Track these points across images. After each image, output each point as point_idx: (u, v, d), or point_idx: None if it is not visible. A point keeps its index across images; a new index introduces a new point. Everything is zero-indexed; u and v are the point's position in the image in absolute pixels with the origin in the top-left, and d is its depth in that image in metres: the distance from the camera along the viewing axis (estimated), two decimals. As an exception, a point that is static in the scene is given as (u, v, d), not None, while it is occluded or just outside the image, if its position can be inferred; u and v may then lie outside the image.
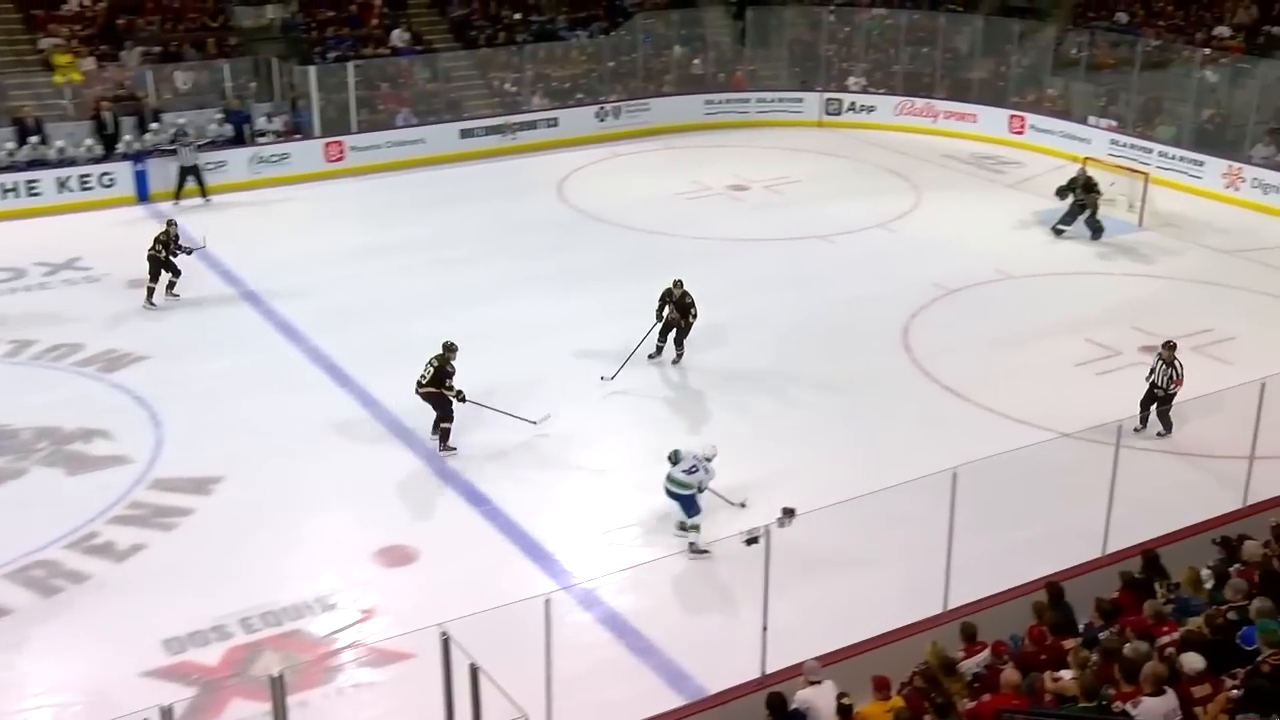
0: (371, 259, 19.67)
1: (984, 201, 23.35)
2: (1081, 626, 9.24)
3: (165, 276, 17.83)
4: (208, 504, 12.65)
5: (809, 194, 23.56)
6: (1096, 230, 20.93)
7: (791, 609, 9.83)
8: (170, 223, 18.25)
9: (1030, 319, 17.37)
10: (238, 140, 24.11)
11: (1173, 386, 13.88)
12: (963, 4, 30.69)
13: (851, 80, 29.48)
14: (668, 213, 22.35)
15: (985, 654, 8.88)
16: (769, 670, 9.20)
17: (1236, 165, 23.31)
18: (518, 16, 28.93)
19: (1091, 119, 26.06)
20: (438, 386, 13.52)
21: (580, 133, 27.16)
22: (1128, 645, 8.23)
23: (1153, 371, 14.11)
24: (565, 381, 15.32)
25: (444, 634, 7.66)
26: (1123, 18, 28.33)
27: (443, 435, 13.59)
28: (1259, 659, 8.05)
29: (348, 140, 24.92)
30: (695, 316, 15.64)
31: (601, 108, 27.70)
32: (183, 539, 12.08)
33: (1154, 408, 13.80)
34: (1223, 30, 26.45)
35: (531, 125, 26.85)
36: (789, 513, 8.95)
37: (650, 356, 15.75)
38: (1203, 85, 25.19)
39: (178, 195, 22.68)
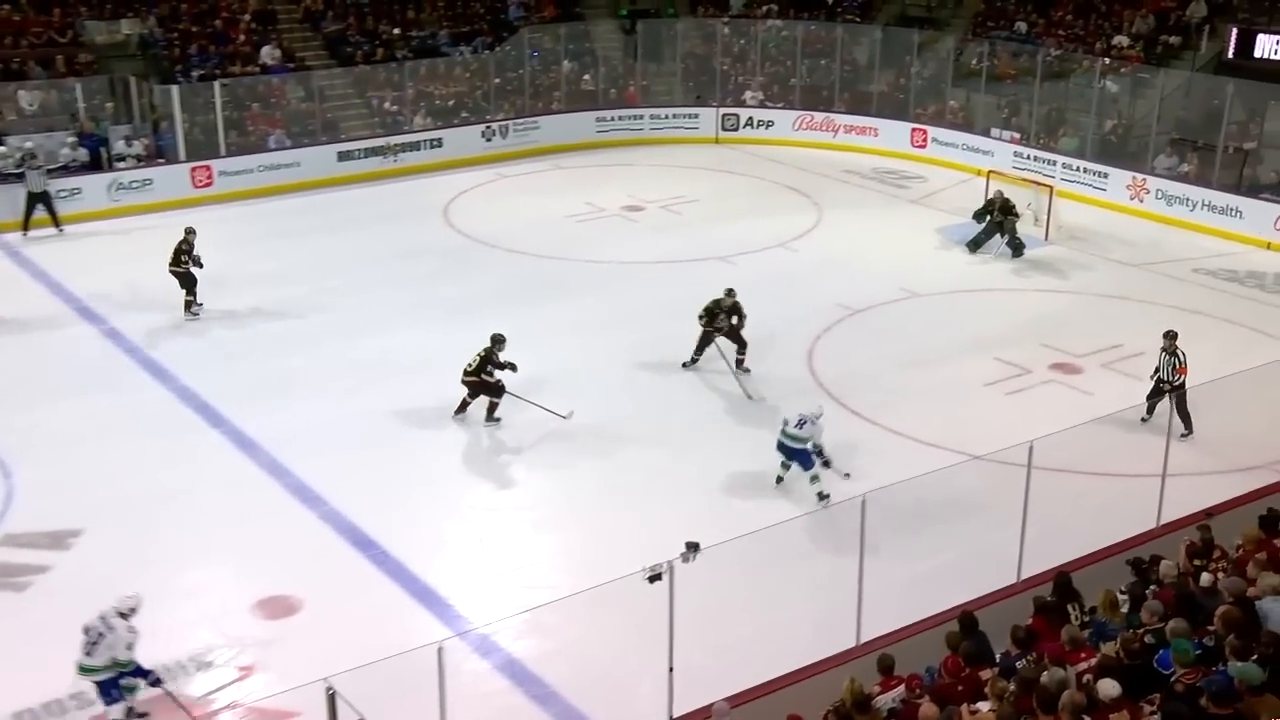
0: (245, 291, 19.36)
1: (887, 218, 23.89)
2: (998, 655, 9.43)
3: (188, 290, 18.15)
4: (65, 560, 12.27)
5: (707, 214, 23.85)
6: (1017, 249, 21.56)
7: (698, 648, 9.85)
8: (189, 230, 18.36)
9: (938, 338, 17.78)
10: (94, 165, 23.56)
11: (1178, 376, 14.65)
12: (860, 14, 31.46)
13: (748, 94, 29.97)
14: (560, 236, 22.42)
15: (901, 688, 9.00)
16: (676, 713, 9.21)
17: (1140, 176, 24.23)
18: (396, 32, 28.89)
19: (994, 131, 26.89)
20: (479, 375, 14.85)
21: (466, 153, 27.15)
22: (1045, 674, 8.41)
23: (1157, 369, 14.96)
24: (469, 412, 15.22)
25: (330, 689, 7.54)
26: (1022, 27, 29.35)
27: (490, 409, 15.02)
28: (1173, 680, 8.31)
29: (216, 165, 24.55)
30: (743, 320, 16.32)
31: (488, 127, 27.72)
32: (36, 599, 11.69)
33: (1169, 404, 14.14)
34: (1122, 40, 27.55)
35: (414, 146, 26.77)
36: (693, 547, 8.99)
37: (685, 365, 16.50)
38: (1104, 95, 26.17)
39: (26, 225, 22.07)
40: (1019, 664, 8.94)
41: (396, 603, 11.65)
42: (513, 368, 15.08)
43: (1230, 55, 25.44)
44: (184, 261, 18.12)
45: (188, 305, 18.26)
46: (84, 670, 9.77)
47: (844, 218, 23.76)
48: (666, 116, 29.61)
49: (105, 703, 9.77)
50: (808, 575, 11.68)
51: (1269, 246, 22.02)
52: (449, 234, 22.79)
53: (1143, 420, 14.52)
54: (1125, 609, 9.79)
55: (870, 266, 20.78)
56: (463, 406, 15.18)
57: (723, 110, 29.57)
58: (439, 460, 14.19)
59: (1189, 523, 11.44)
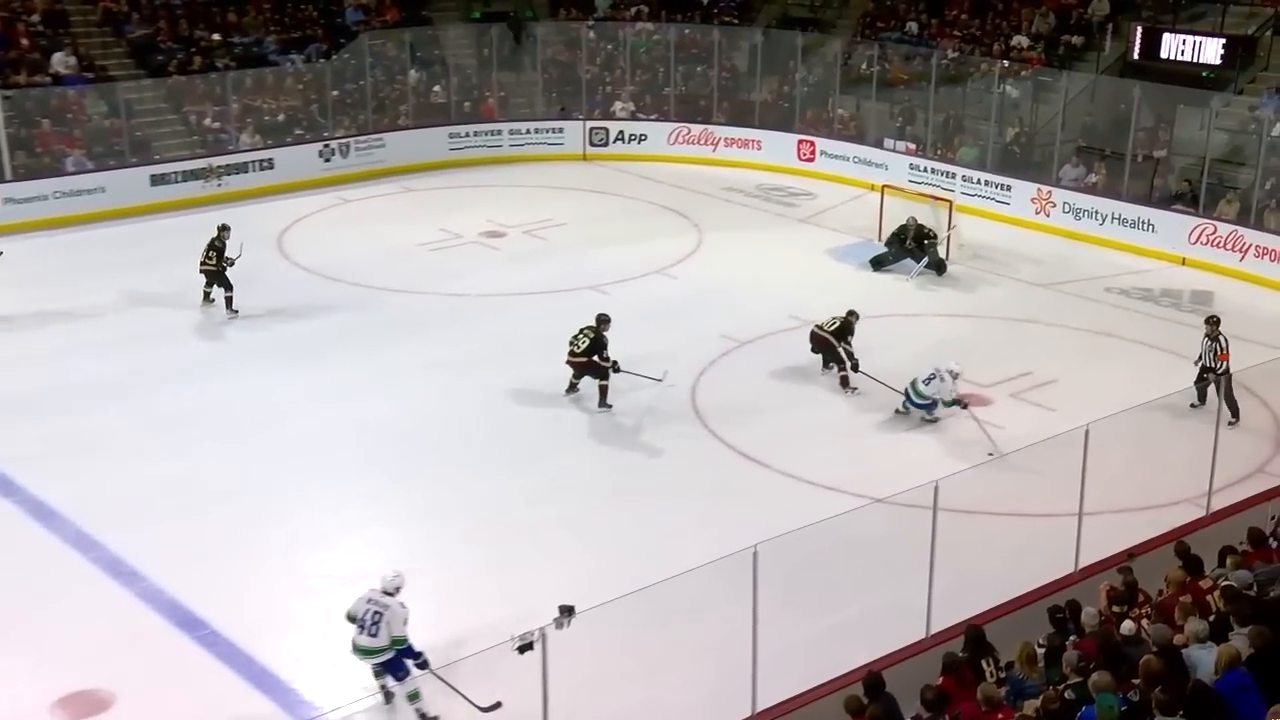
0: (40, 336, 18.83)
1: (774, 239, 24.25)
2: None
3: (218, 288, 19.75)
4: None
5: (576, 238, 23.95)
6: (940, 268, 22.24)
7: (575, 724, 9.80)
8: (222, 227, 19.90)
9: (833, 370, 18.05)
10: None
11: (1220, 362, 16.12)
12: (739, 16, 32.02)
13: (618, 106, 30.24)
14: (413, 266, 22.28)
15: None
16: (555, 802, 9.14)
17: (1045, 189, 25.05)
18: (216, 37, 28.51)
19: (887, 142, 27.56)
20: (590, 356, 16.39)
21: (302, 175, 26.90)
22: (958, 738, 8.55)
23: (1200, 357, 16.52)
24: (297, 473, 14.96)
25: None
26: (914, 28, 30.18)
27: (602, 392, 16.47)
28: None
29: (1, 190, 23.85)
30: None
31: (326, 145, 27.49)
32: None
33: (1216, 392, 15.38)
34: (1021, 40, 28.52)
35: (241, 168, 26.42)
36: (567, 611, 8.96)
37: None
38: (1004, 101, 27.03)
39: None
40: (930, 729, 9.07)
41: (229, 689, 11.34)
42: (615, 368, 16.67)
43: (1135, 56, 26.49)
44: (212, 258, 19.77)
45: (228, 302, 19.84)
46: (366, 652, 10.78)
47: (727, 240, 24.05)
48: (528, 131, 29.72)
49: (397, 679, 10.84)
50: (697, 637, 11.70)
51: (1183, 262, 22.92)
52: (285, 267, 22.46)
53: (1192, 406, 16.30)
54: (1043, 663, 10.01)
55: (757, 293, 21.06)
56: (572, 387, 16.86)
57: (590, 124, 29.78)
58: (279, 525, 13.88)
59: (1109, 565, 11.78)
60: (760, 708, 10.15)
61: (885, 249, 22.55)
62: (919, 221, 22.54)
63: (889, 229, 23.25)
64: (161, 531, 13.68)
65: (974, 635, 10.29)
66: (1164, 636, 9.35)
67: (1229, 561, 10.95)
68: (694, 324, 19.68)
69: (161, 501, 14.35)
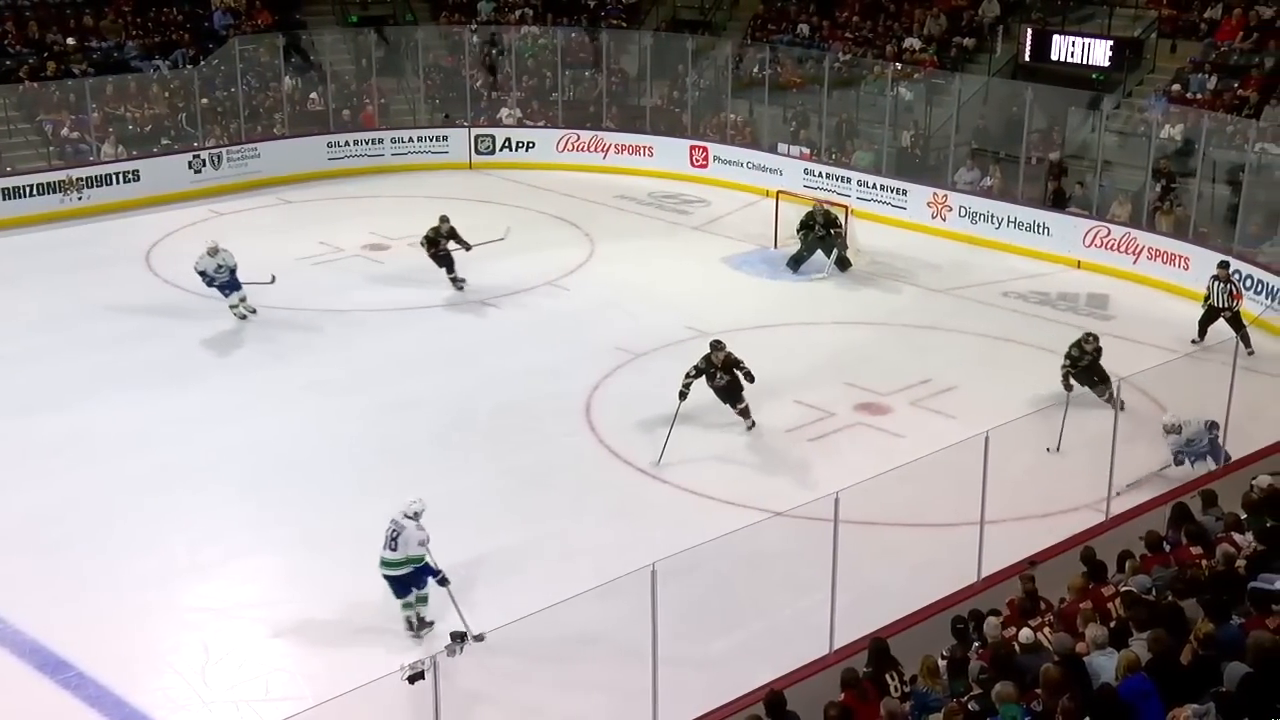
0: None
1: (668, 248, 24.39)
2: (812, 738, 9.66)
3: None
4: None
5: (463, 251, 23.79)
6: (844, 265, 22.61)
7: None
8: (443, 218, 21.76)
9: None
10: None
11: (1235, 303, 18.60)
12: (626, 19, 32.18)
13: (504, 112, 30.23)
14: (292, 283, 21.96)
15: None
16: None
17: (941, 193, 25.53)
18: (71, 42, 27.91)
19: (781, 147, 27.89)
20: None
21: (170, 188, 26.49)
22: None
23: (1208, 295, 18.84)
24: (170, 502, 14.71)
25: None
26: (805, 30, 30.58)
27: (744, 413, 16.58)
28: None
29: None
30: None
31: (196, 156, 27.12)
32: None
33: (1227, 328, 17.28)
34: (913, 42, 29.06)
35: (103, 180, 25.94)
36: (459, 638, 8.95)
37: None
38: (898, 104, 27.52)
39: None
40: (834, 748, 9.17)
41: (100, 735, 11.11)
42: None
43: (1027, 58, 27.13)
44: (441, 247, 21.54)
45: (454, 282, 21.58)
46: (387, 564, 12.22)
47: (620, 250, 24.13)
48: (410, 140, 29.57)
49: (418, 588, 12.37)
50: (593, 662, 11.72)
51: (1079, 265, 23.50)
52: (154, 285, 22.08)
53: (1193, 342, 18.67)
54: (947, 675, 10.18)
55: (652, 303, 21.17)
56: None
57: (475, 131, 29.72)
58: (152, 556, 13.61)
59: (1011, 574, 12.01)
60: (661, 731, 10.20)
61: (799, 243, 22.79)
62: (825, 206, 22.86)
63: (784, 235, 23.55)
64: (20, 567, 13.36)
65: (877, 648, 10.44)
66: (1065, 645, 9.56)
67: (1127, 566, 11.24)
68: (588, 337, 19.72)
69: (20, 535, 14.00)
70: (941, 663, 10.33)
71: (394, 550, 12.23)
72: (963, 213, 25.17)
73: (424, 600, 12.48)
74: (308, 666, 11.95)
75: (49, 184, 25.28)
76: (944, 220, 25.36)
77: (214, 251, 19.97)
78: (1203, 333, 19.00)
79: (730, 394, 16.56)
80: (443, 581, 12.23)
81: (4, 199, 24.72)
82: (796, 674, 10.77)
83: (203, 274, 19.96)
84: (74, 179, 25.53)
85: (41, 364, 18.49)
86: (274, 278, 20.21)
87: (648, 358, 19.08)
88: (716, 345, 16.60)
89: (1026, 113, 24.77)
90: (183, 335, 19.75)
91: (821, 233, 22.58)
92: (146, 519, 14.39)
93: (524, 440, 16.43)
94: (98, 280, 21.94)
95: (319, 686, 11.04)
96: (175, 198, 26.24)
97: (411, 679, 8.69)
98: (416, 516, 12.30)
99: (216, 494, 14.97)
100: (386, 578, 12.31)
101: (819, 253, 22.73)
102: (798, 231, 22.91)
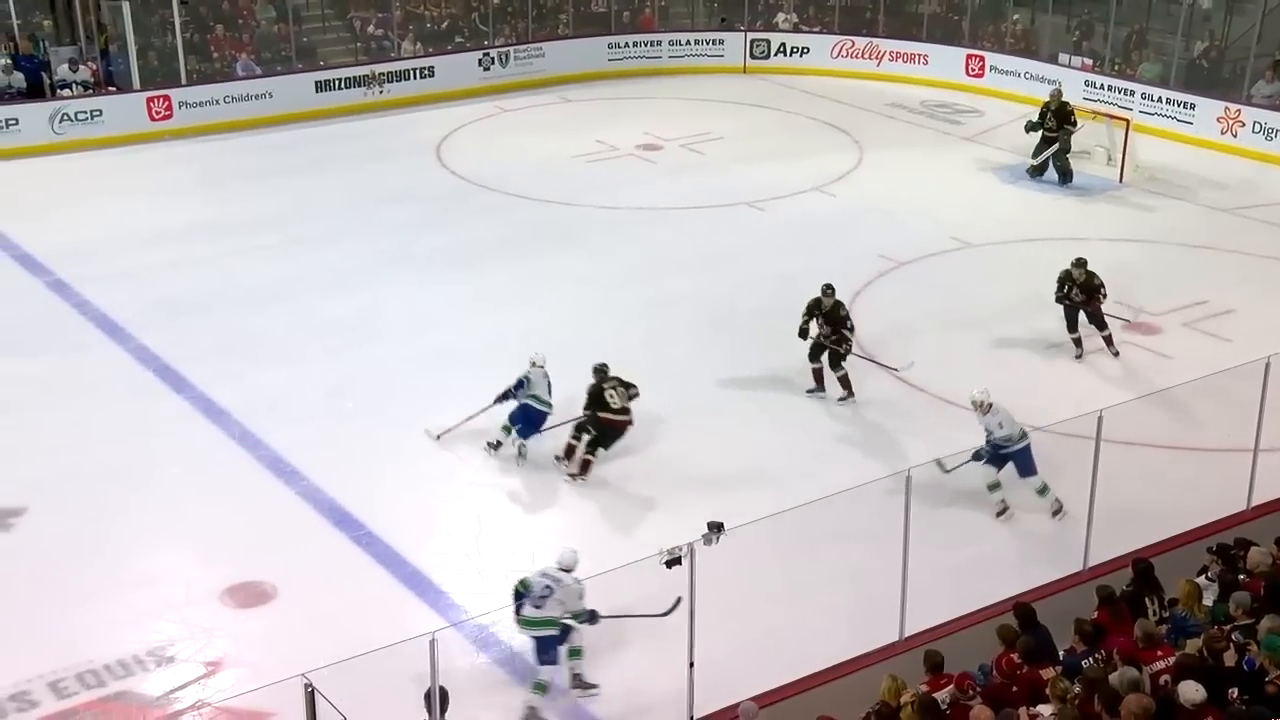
0: (209, 239, 19.39)
1: (937, 158, 23.74)
2: (1061, 653, 9.46)
3: None
4: (5, 542, 12.34)
5: (733, 153, 23.73)
6: (1065, 175, 21.63)
7: (722, 642, 9.90)
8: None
9: (993, 294, 17.71)
10: (34, 93, 23.53)
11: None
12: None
13: (780, 17, 29.78)
14: (568, 178, 22.37)
15: (951, 689, 9.04)
16: (698, 714, 9.27)
17: (1234, 107, 23.95)
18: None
19: (1063, 57, 26.63)
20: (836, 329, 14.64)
21: (461, 84, 27.09)
22: (1114, 674, 8.43)
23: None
24: (448, 381, 15.25)
25: (308, 685, 7.59)
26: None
27: (844, 382, 14.74)
28: (1266, 680, 8.31)
29: (175, 94, 24.52)
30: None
31: (486, 54, 27.63)
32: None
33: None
34: (1216, -54, 27.18)
35: (402, 76, 26.71)
36: (716, 528, 9.02)
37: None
38: (1194, 13, 25.88)
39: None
40: (1085, 663, 8.96)
41: (383, 590, 11.69)
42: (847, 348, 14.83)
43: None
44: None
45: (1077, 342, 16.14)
46: (531, 624, 10.23)
47: (888, 158, 23.62)
48: (687, 43, 29.44)
49: (539, 661, 10.20)
50: (844, 561, 11.70)
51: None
52: (442, 175, 22.73)
53: None
54: (1209, 601, 9.79)
55: (917, 213, 20.67)
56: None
57: (751, 36, 29.38)
58: (431, 432, 14.19)
59: (1286, 503, 11.45)
60: (908, 633, 10.14)
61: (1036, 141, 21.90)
62: (1063, 98, 21.81)
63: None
64: (321, 433, 14.12)
65: (1141, 569, 10.11)
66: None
67: None
68: (851, 243, 19.43)
69: (321, 403, 14.81)
70: (1201, 579, 9.94)
71: (540, 608, 10.23)
72: (1257, 128, 23.57)
73: (578, 653, 10.47)
74: (570, 542, 12.24)
75: (355, 78, 26.17)
76: (1235, 136, 23.84)
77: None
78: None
79: None
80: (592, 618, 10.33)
81: (316, 91, 25.72)
82: (1047, 588, 10.55)
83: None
84: (376, 74, 26.38)
85: (339, 246, 19.33)
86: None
87: (910, 266, 18.70)
88: (827, 290, 14.85)
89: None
90: (466, 225, 20.29)
91: (1053, 129, 21.50)
92: (425, 396, 14.93)
93: (782, 342, 16.32)
94: (393, 170, 22.72)
95: (581, 563, 11.36)
96: (465, 94, 26.86)
97: (669, 563, 8.86)
98: (573, 569, 10.43)
99: (488, 377, 15.37)
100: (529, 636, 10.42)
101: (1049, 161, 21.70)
102: (1025, 127, 21.92)
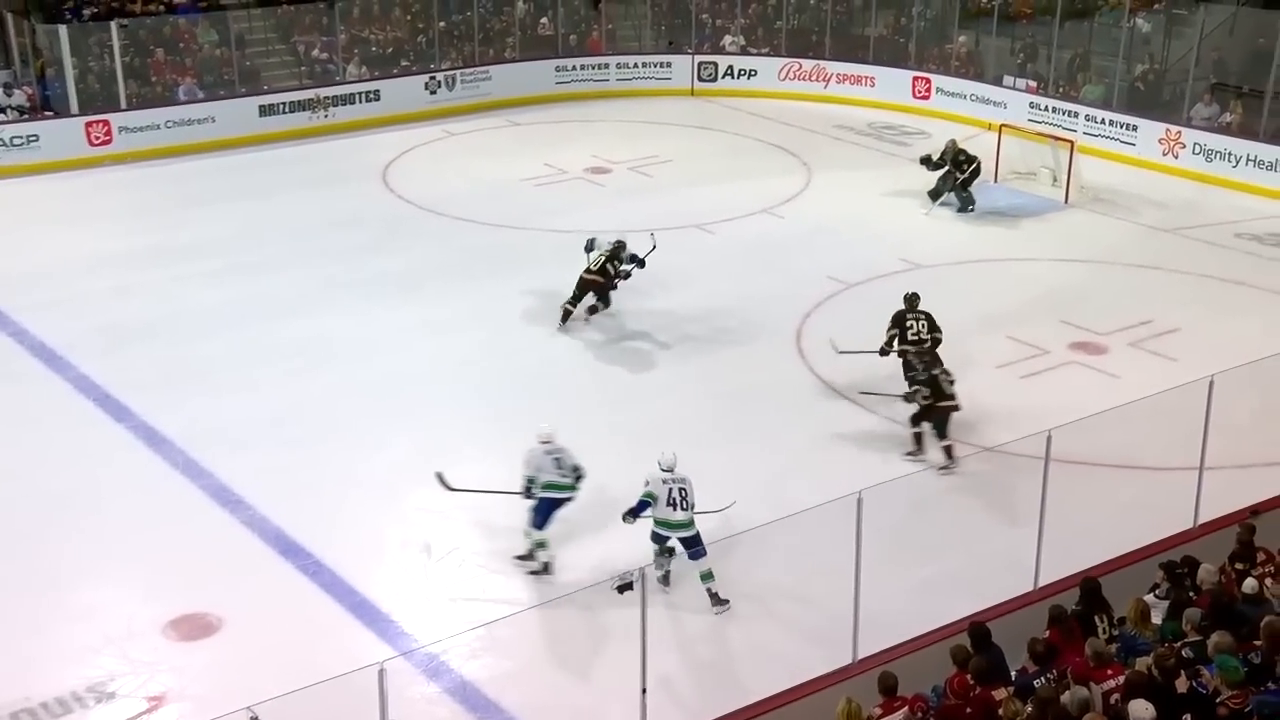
0: (150, 265, 19.23)
1: (885, 179, 23.92)
2: (1014, 673, 9.49)
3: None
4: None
5: (682, 176, 23.84)
6: (966, 202, 21.87)
7: (675, 666, 9.89)
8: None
9: (942, 315, 17.70)
10: (-34, 117, 23.30)
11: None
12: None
13: (728, 40, 29.96)
14: (516, 202, 22.37)
15: (904, 711, 9.05)
16: (652, 742, 9.25)
17: (1175, 129, 24.34)
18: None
19: (1007, 79, 26.96)
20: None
21: (407, 108, 27.07)
22: (1065, 694, 8.47)
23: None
24: (397, 407, 15.18)
25: (254, 718, 7.50)
26: (1041, -42, 29.36)
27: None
28: (1218, 700, 8.37)
29: (115, 119, 24.35)
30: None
31: (432, 78, 27.62)
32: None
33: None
34: (1156, -30, 27.64)
35: (347, 99, 26.67)
36: (668, 552, 9.00)
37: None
38: (1135, 36, 26.26)
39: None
40: (1037, 683, 9.00)
41: (331, 619, 11.59)
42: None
43: (1282, -14, 25.53)
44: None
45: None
46: (679, 525, 11.33)
47: (836, 180, 23.80)
48: (635, 66, 29.57)
49: (694, 556, 11.26)
50: (797, 582, 11.72)
51: (1327, 207, 22.17)
52: (389, 200, 22.69)
53: None
54: (1159, 619, 9.87)
55: (866, 234, 20.83)
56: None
57: (699, 58, 29.54)
58: (381, 456, 14.10)
59: (1230, 522, 11.55)
60: (861, 655, 10.16)
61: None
62: (959, 146, 22.07)
63: (1006, 171, 22.88)
64: (266, 460, 13.98)
65: (1089, 588, 10.17)
66: (1292, 598, 9.17)
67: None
68: (802, 265, 19.53)
69: (266, 431, 14.67)
70: (1150, 597, 10.02)
71: (686, 509, 11.36)
72: (1197, 150, 23.97)
73: (709, 576, 11.38)
74: (523, 571, 12.22)
75: (299, 102, 26.11)
76: (1176, 158, 24.22)
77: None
78: None
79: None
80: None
81: (260, 115, 25.62)
82: (1000, 608, 10.60)
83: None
84: (321, 97, 26.31)
85: (286, 272, 19.21)
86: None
87: (860, 288, 18.80)
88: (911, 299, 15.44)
89: (1278, 44, 23.26)
90: (414, 249, 20.24)
91: (945, 168, 21.80)
92: (375, 422, 14.87)
93: (734, 364, 16.40)
94: (339, 195, 22.65)
95: (532, 589, 11.33)
96: (411, 117, 26.83)
97: (621, 588, 8.83)
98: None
99: (439, 401, 15.36)
100: (679, 539, 11.36)
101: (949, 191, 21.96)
102: (920, 161, 22.21)
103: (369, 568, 12.29)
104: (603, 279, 17.15)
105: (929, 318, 15.09)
